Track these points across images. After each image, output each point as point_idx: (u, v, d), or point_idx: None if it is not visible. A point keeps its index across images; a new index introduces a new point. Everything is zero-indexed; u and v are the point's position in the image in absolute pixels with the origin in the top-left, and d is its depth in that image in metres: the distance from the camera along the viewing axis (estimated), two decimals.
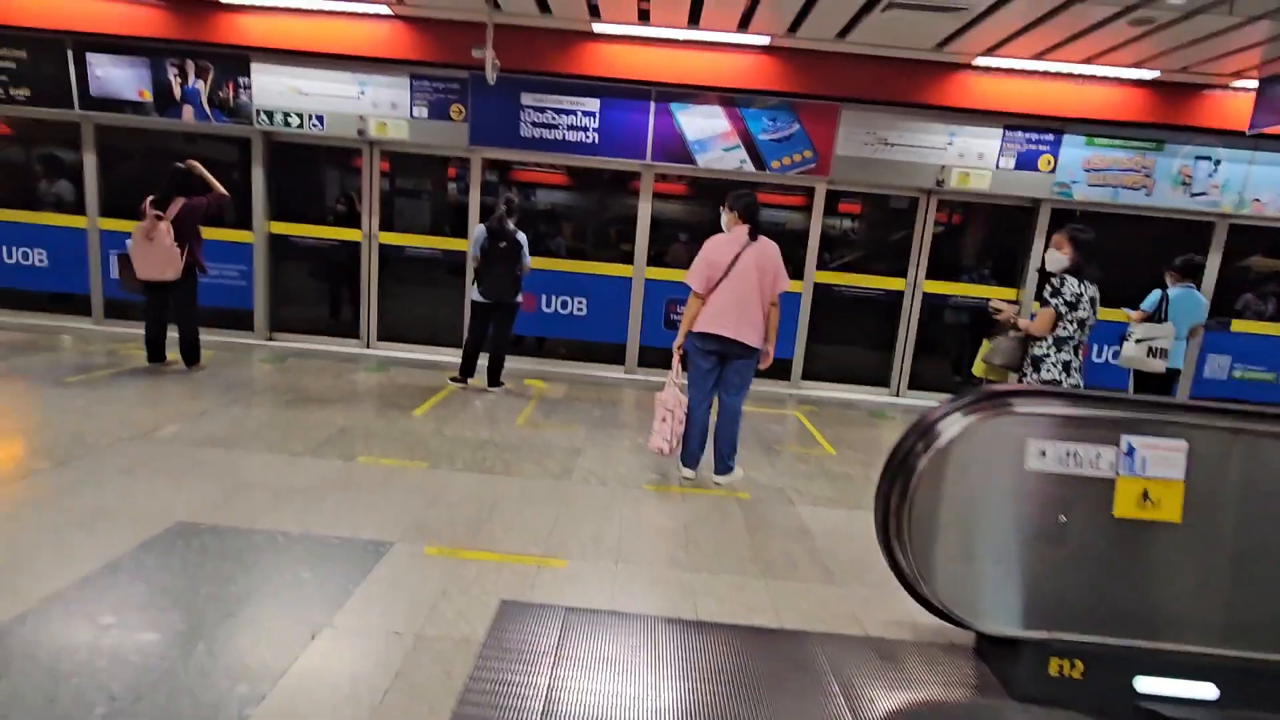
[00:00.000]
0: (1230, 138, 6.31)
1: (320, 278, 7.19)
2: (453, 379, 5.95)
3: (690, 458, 4.08)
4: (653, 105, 6.44)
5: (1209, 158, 6.40)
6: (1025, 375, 3.90)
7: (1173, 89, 6.15)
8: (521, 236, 5.58)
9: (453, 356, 6.91)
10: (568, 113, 6.49)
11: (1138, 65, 5.82)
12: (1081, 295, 3.67)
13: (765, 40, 6.01)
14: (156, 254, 5.27)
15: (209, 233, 5.98)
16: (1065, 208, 6.62)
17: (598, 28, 6.08)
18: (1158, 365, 4.92)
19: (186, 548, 2.75)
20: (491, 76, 5.87)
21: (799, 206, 6.82)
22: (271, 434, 4.20)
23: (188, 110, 6.63)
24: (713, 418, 4.04)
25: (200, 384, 5.23)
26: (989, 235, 7.00)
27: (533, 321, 6.88)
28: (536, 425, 4.98)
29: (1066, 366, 3.74)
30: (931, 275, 6.88)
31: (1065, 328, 3.72)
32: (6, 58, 6.56)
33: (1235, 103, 6.15)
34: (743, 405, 4.04)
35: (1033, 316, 3.84)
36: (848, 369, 7.12)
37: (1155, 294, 5.15)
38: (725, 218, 4.04)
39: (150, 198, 5.40)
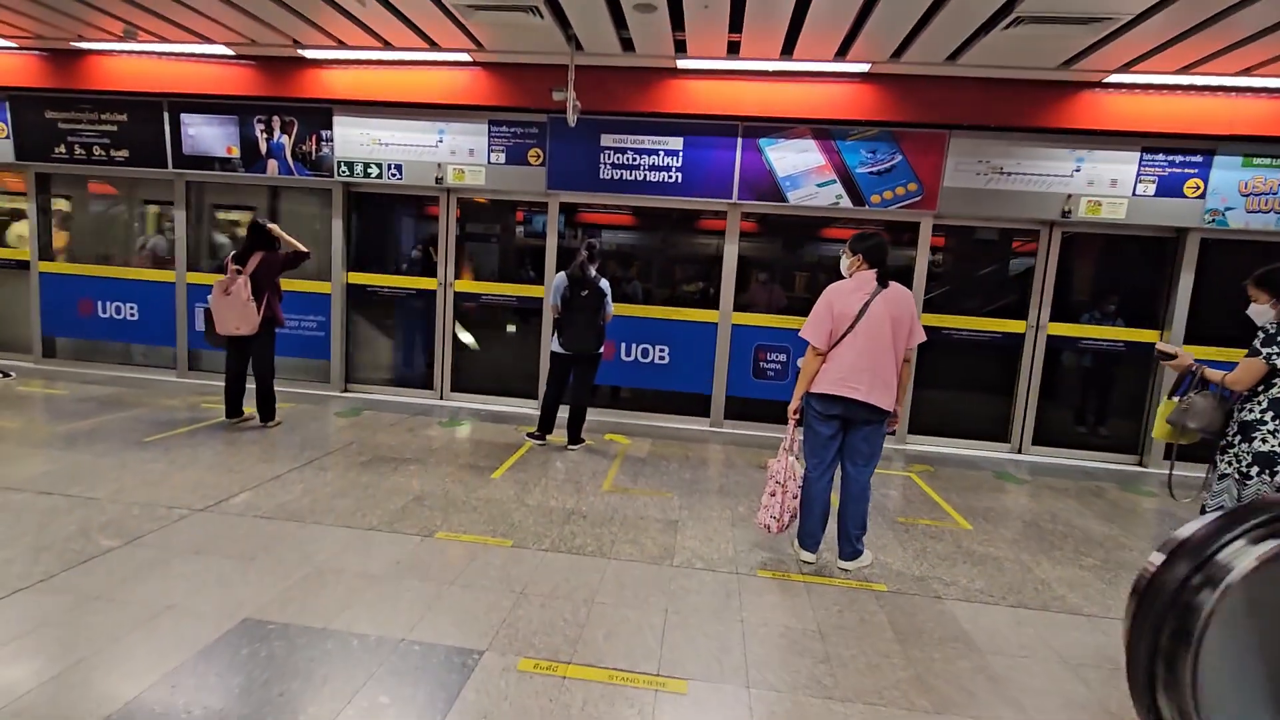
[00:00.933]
0: None
1: (396, 327, 7.04)
2: (530, 435, 5.58)
3: (809, 540, 3.51)
4: (739, 141, 6.06)
5: None
6: (1231, 444, 3.16)
7: None
8: (604, 284, 5.22)
9: (527, 408, 6.60)
10: (649, 152, 6.18)
11: None
12: None
13: (864, 68, 5.56)
14: (234, 308, 5.16)
15: (288, 284, 5.91)
16: (1219, 237, 5.79)
17: (682, 63, 5.78)
18: None
19: (252, 657, 2.38)
20: (572, 119, 5.63)
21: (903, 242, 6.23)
22: (345, 503, 3.88)
23: (272, 164, 6.68)
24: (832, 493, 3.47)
25: (275, 443, 5.02)
26: (1125, 270, 6.19)
27: (611, 371, 6.48)
28: (624, 490, 4.51)
29: None
30: (1057, 316, 6.12)
31: None
32: (109, 121, 6.81)
33: None
34: (870, 480, 3.45)
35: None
36: (962, 422, 6.38)
37: None
38: (846, 261, 3.53)
39: (233, 253, 5.35)
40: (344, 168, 6.58)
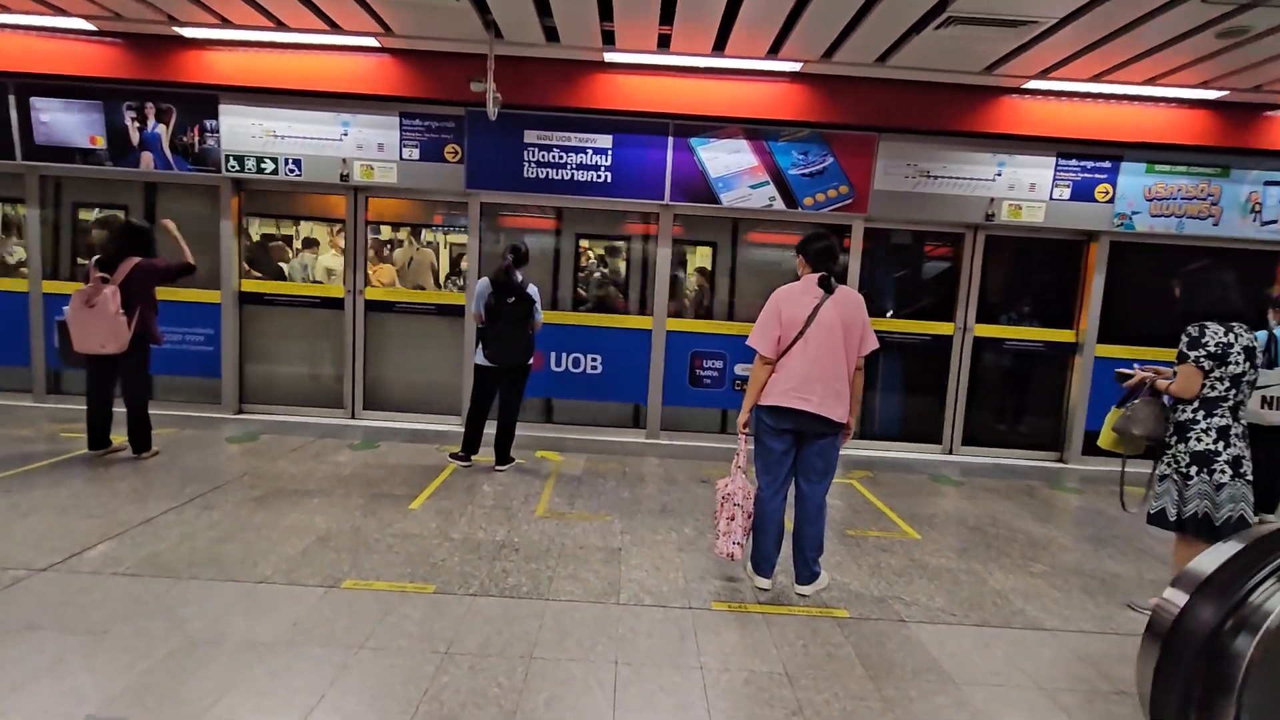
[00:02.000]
0: None
1: (300, 340, 6.35)
2: (454, 456, 5.10)
3: (765, 564, 3.26)
4: (671, 140, 5.81)
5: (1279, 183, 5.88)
6: (1170, 447, 3.16)
7: (1240, 110, 5.64)
8: (533, 289, 4.83)
9: (449, 425, 6.10)
10: (577, 150, 5.84)
11: (1204, 85, 5.31)
12: (1230, 345, 2.96)
13: (796, 66, 5.44)
14: (99, 323, 4.43)
15: (166, 293, 5.18)
16: (1127, 240, 6.04)
17: (609, 56, 5.47)
18: (1276, 417, 4.22)
19: None
20: (493, 112, 5.21)
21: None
22: (232, 550, 3.32)
23: (147, 157, 5.87)
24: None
25: (150, 478, 4.33)
26: (1043, 272, 6.38)
27: (541, 382, 6.08)
28: (560, 515, 4.14)
29: (1224, 433, 3.01)
30: (982, 318, 6.22)
31: (1214, 387, 3.01)
32: None
33: None
34: (826, 497, 3.24)
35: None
36: (895, 425, 6.39)
37: (1261, 335, 4.49)
38: (797, 263, 3.32)
39: (96, 258, 4.61)
40: (233, 162, 5.86)
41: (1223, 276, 3.11)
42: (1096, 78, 5.29)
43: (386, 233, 6.39)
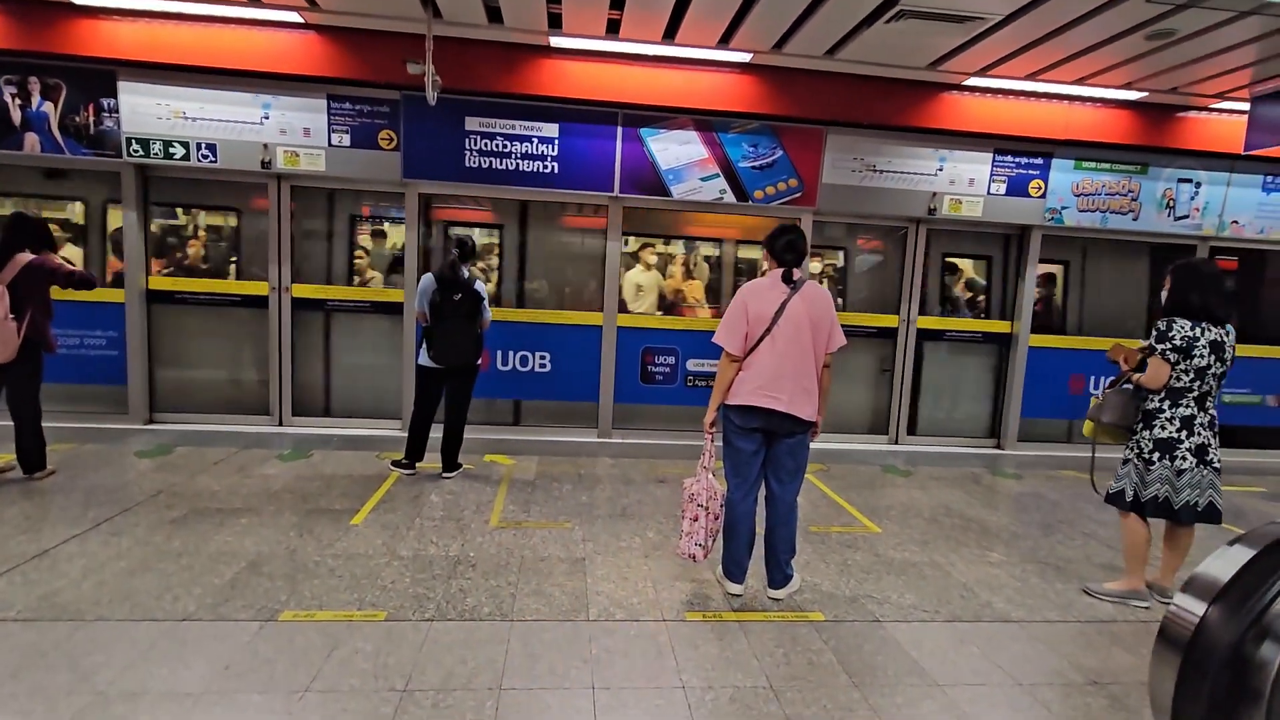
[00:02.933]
0: (1209, 160, 6.19)
1: (218, 341, 5.82)
2: (396, 464, 4.78)
3: (736, 569, 3.15)
4: (620, 130, 5.63)
5: (1190, 180, 6.25)
6: (1136, 434, 3.27)
7: (1156, 110, 5.95)
8: (480, 285, 4.56)
9: (389, 430, 5.74)
10: (522, 139, 5.57)
11: (1128, 86, 5.56)
12: (1196, 339, 3.07)
13: (746, 57, 5.35)
14: None
15: (62, 291, 4.60)
16: (1057, 234, 6.29)
17: (555, 41, 5.23)
18: None
19: None
20: (432, 96, 4.88)
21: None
22: (147, 583, 2.95)
23: (31, 139, 5.21)
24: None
25: (46, 502, 3.83)
26: (982, 265, 6.57)
27: (487, 382, 5.79)
28: (517, 524, 3.92)
29: (1188, 423, 3.12)
30: (923, 310, 6.36)
31: (1180, 378, 3.12)
32: None
33: (1215, 124, 6.03)
34: (797, 497, 3.16)
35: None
36: (842, 416, 6.45)
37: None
38: (761, 257, 3.23)
39: None
40: (136, 146, 5.28)
41: (1212, 273, 3.22)
42: (1032, 76, 5.45)
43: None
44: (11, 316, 3.95)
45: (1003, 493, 5.20)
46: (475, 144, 5.54)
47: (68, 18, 5.00)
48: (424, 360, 4.56)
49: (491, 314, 4.78)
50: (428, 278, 4.50)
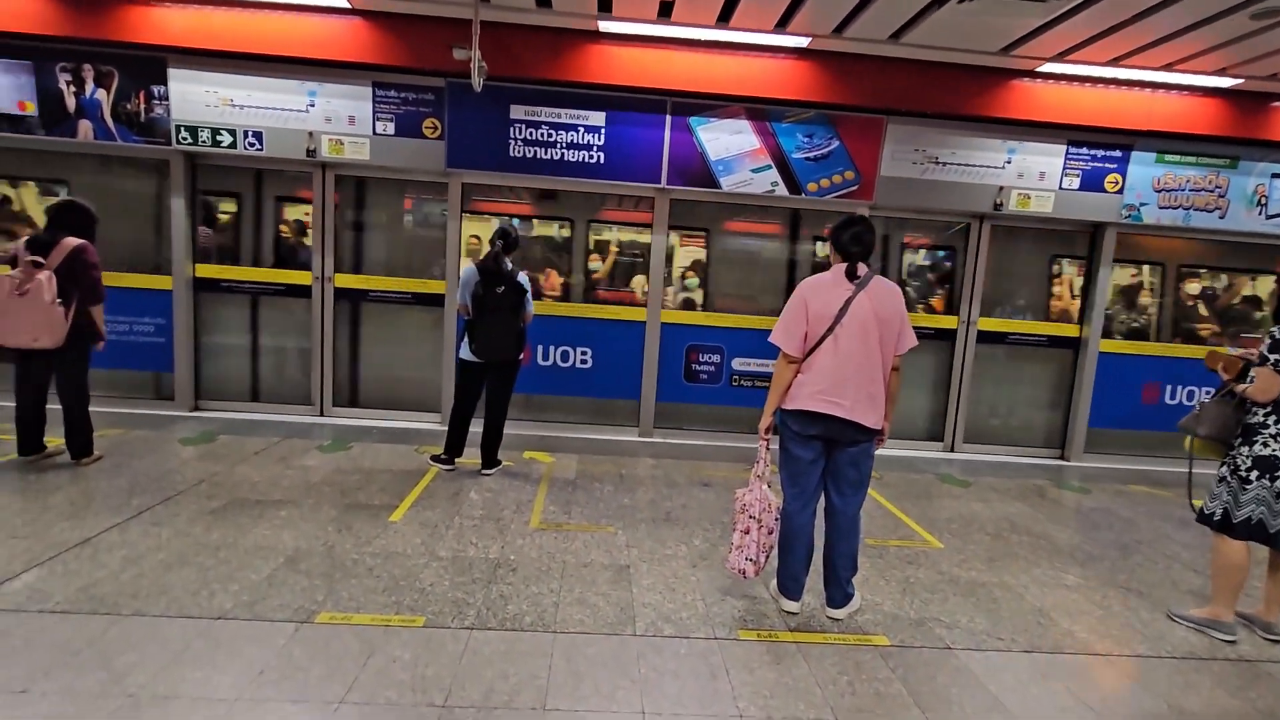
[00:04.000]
0: None
1: (262, 330, 5.82)
2: (435, 459, 4.68)
3: (793, 585, 2.96)
4: (669, 119, 5.43)
5: None
6: (1234, 449, 2.95)
7: (1250, 99, 5.49)
8: (524, 278, 4.42)
9: (427, 423, 5.66)
10: (567, 128, 5.41)
11: (1221, 72, 5.13)
12: None
13: (804, 42, 5.09)
14: (32, 313, 3.89)
15: (111, 277, 4.62)
16: (1134, 233, 5.88)
17: (604, 26, 5.05)
18: None
19: None
20: (478, 82, 4.76)
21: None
22: (185, 577, 2.88)
23: (84, 126, 5.27)
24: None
25: (90, 488, 3.83)
26: (1047, 265, 6.18)
27: (527, 377, 5.67)
28: (558, 526, 3.77)
29: None
30: (984, 311, 6.01)
31: None
32: None
33: None
34: (860, 511, 2.93)
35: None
36: (893, 420, 6.13)
37: None
38: (826, 251, 3.00)
39: (25, 238, 4.04)
40: (185, 134, 5.29)
41: None
42: (1114, 61, 5.07)
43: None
44: (59, 302, 3.94)
45: (1071, 507, 4.86)
46: (520, 133, 5.40)
47: (120, 4, 5.02)
48: (465, 354, 4.44)
49: (534, 308, 4.63)
50: (470, 269, 4.38)
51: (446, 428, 4.67)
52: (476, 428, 4.64)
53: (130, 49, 5.14)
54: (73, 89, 5.25)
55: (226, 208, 5.80)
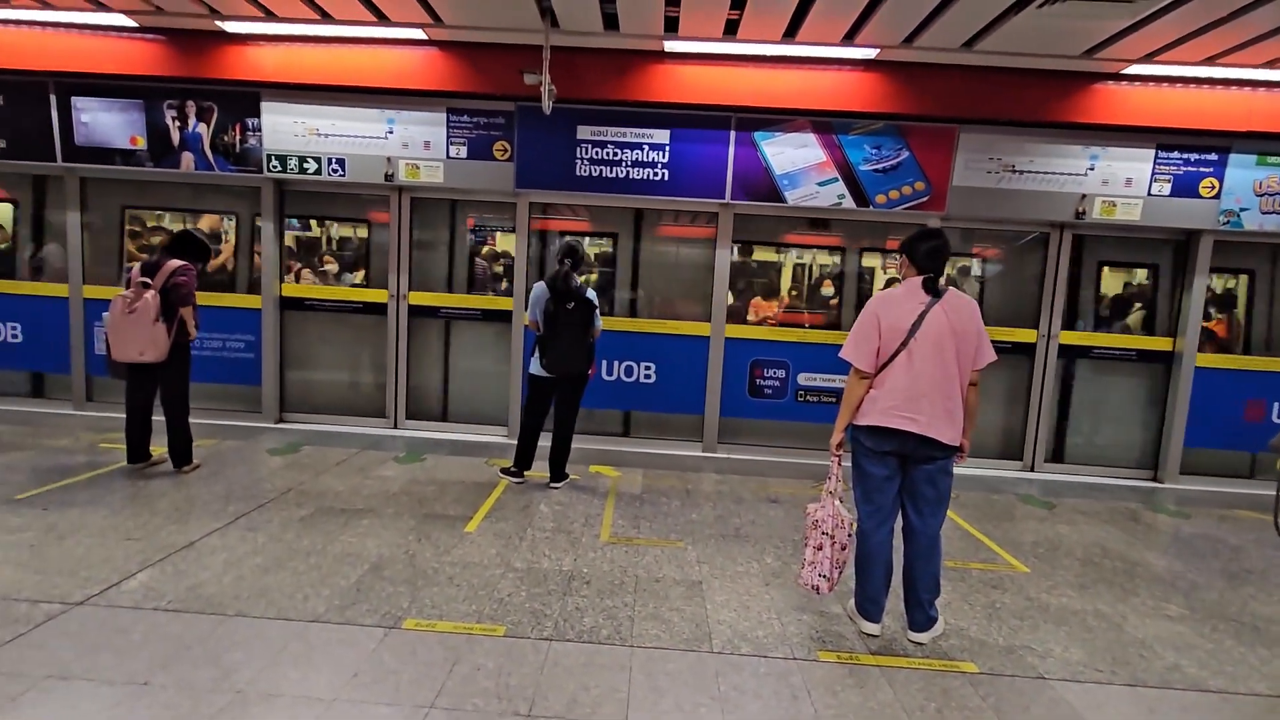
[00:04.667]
0: None
1: (341, 346, 6.11)
2: (505, 471, 4.79)
3: (873, 607, 2.89)
4: (733, 134, 5.44)
5: None
6: None
7: None
8: (592, 294, 4.50)
9: (495, 437, 5.80)
10: (632, 146, 5.50)
11: None
12: None
13: (872, 54, 5.04)
14: (139, 330, 4.21)
15: (206, 298, 4.94)
16: (1232, 240, 5.52)
17: (669, 46, 5.13)
18: None
19: None
20: (548, 105, 4.90)
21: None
22: (281, 581, 3.03)
23: (187, 158, 5.68)
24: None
25: (192, 495, 4.08)
26: (1136, 275, 5.87)
27: (591, 392, 5.73)
28: (628, 540, 3.79)
29: None
30: (1066, 324, 5.74)
31: None
32: None
33: None
34: (940, 529, 2.85)
35: None
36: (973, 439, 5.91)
37: None
38: (899, 265, 2.96)
39: (141, 263, 4.38)
40: (275, 162, 5.64)
41: None
42: (1208, 60, 4.80)
43: None
44: (162, 320, 4.24)
45: (1168, 533, 4.56)
46: (586, 152, 5.52)
47: (219, 44, 5.42)
48: (535, 369, 4.54)
49: (602, 323, 4.69)
50: (540, 286, 4.49)
51: (514, 441, 4.77)
52: (544, 441, 4.72)
53: (228, 85, 5.53)
54: (177, 124, 5.68)
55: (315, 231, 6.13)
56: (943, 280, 2.84)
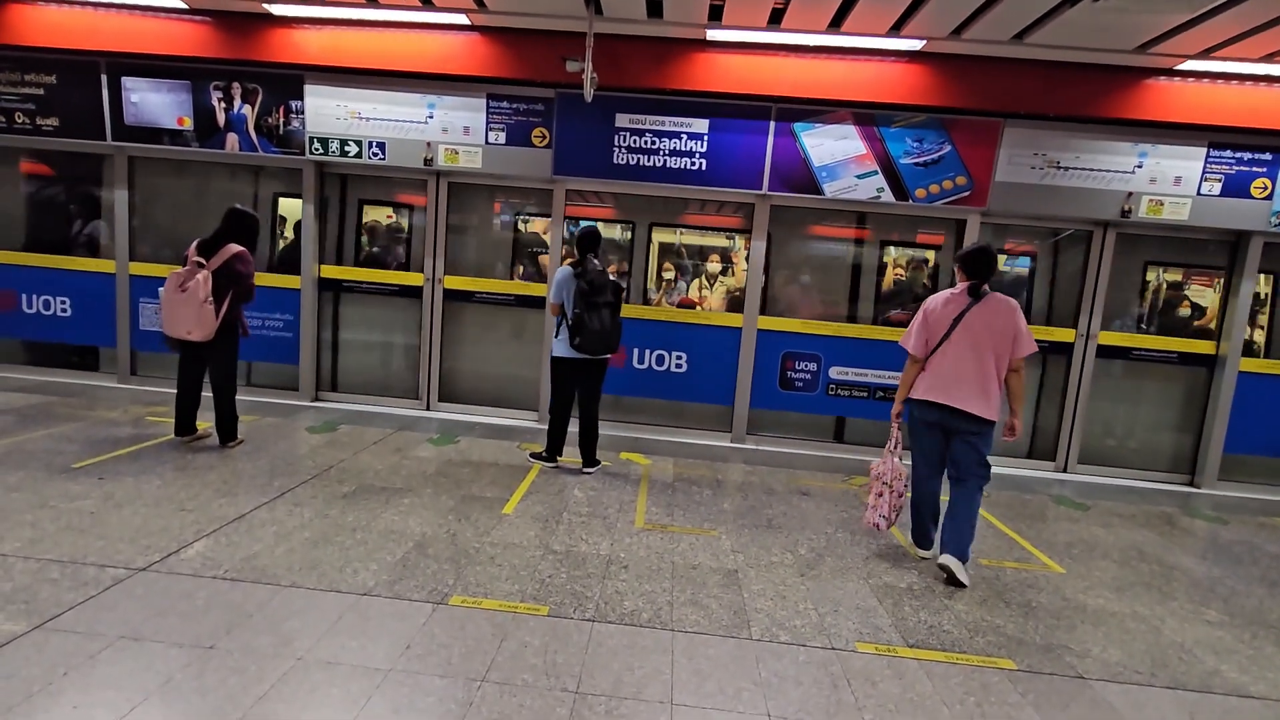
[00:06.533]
0: None
1: (376, 328, 6.22)
2: (536, 456, 4.86)
3: (923, 538, 3.69)
4: (772, 125, 5.42)
5: None
6: None
7: None
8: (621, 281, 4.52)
9: (524, 420, 5.87)
10: (671, 135, 5.50)
11: None
12: None
13: (918, 45, 4.97)
14: (188, 309, 4.31)
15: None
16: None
17: (712, 34, 5.10)
18: None
19: None
20: (589, 93, 4.92)
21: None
22: (329, 554, 3.12)
23: (231, 139, 5.78)
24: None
25: (237, 469, 4.20)
26: (1181, 276, 5.76)
27: (623, 379, 5.80)
28: (662, 528, 3.84)
29: None
30: (1106, 324, 5.66)
31: None
32: (34, 83, 5.81)
33: None
34: (981, 492, 3.45)
35: None
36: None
37: None
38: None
39: (198, 240, 4.47)
40: (317, 145, 5.72)
41: None
42: (1268, 58, 4.67)
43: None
44: (211, 300, 4.34)
45: (1206, 538, 4.51)
46: (624, 140, 5.53)
47: (265, 28, 5.49)
48: (560, 351, 4.58)
49: (624, 311, 4.68)
50: (565, 270, 4.52)
51: (544, 425, 4.84)
52: (572, 427, 4.78)
53: (273, 68, 5.61)
54: (223, 105, 5.78)
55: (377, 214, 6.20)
56: (985, 287, 3.44)
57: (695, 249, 6.00)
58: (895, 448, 3.61)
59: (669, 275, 6.01)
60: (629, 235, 6.02)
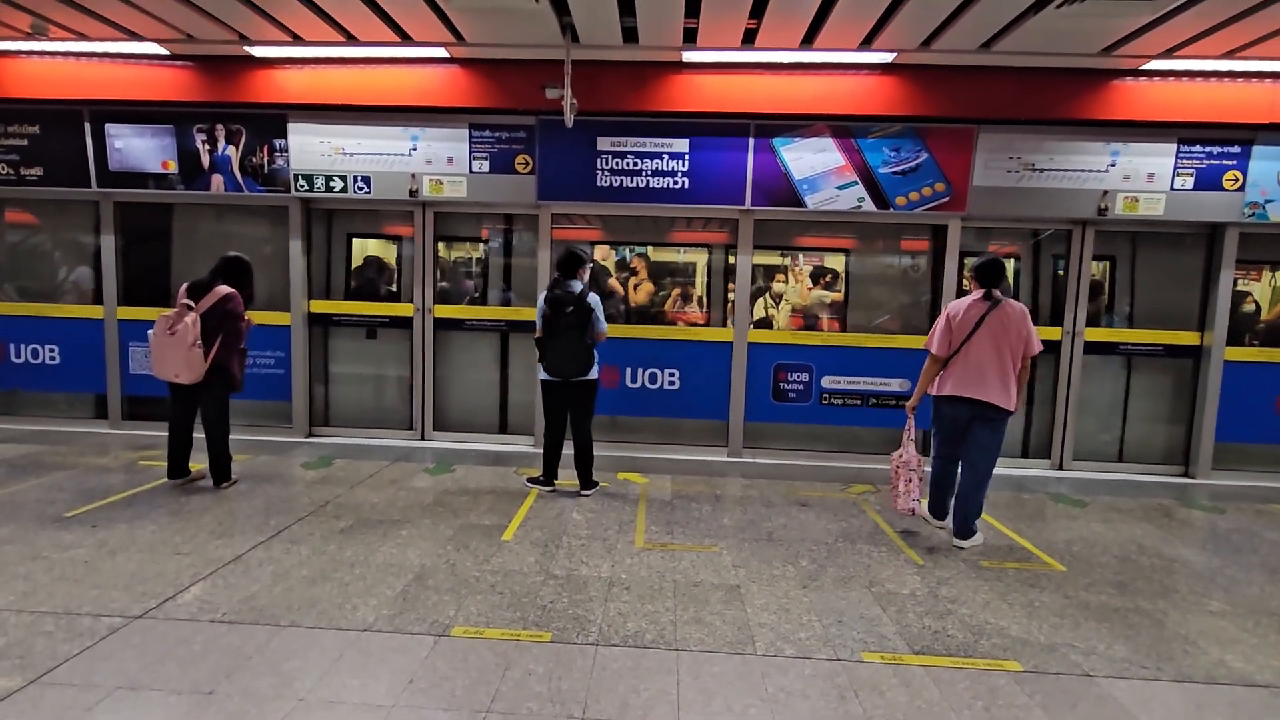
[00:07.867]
0: None
1: (368, 360, 6.22)
2: (533, 481, 4.85)
3: (940, 509, 4.18)
4: (751, 141, 5.50)
5: None
6: None
7: None
8: (593, 299, 4.53)
9: (520, 446, 5.86)
10: (652, 156, 5.57)
11: None
12: None
13: (889, 57, 5.08)
14: (176, 352, 4.30)
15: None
16: (1259, 232, 5.49)
17: (688, 56, 5.19)
18: None
19: None
20: (570, 119, 4.99)
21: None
22: (328, 591, 3.10)
23: (217, 180, 5.81)
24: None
25: (233, 509, 4.17)
26: (1160, 269, 5.84)
27: (617, 399, 5.80)
28: (663, 546, 3.83)
29: None
30: (1091, 320, 5.73)
31: None
32: (16, 134, 5.84)
33: None
34: (991, 471, 3.95)
35: None
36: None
37: None
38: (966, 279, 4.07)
39: (189, 283, 4.47)
40: (302, 182, 5.76)
41: None
42: (1230, 54, 4.79)
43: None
44: (200, 344, 4.32)
45: (1204, 529, 4.53)
46: (606, 163, 5.59)
47: (247, 69, 5.55)
48: (540, 374, 4.60)
49: (606, 327, 4.69)
50: (541, 297, 4.56)
51: (540, 450, 4.83)
52: (568, 450, 4.78)
53: (256, 108, 5.67)
54: (207, 147, 5.82)
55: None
56: (997, 292, 3.91)
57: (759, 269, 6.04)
58: (912, 435, 4.07)
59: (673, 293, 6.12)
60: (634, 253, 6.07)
